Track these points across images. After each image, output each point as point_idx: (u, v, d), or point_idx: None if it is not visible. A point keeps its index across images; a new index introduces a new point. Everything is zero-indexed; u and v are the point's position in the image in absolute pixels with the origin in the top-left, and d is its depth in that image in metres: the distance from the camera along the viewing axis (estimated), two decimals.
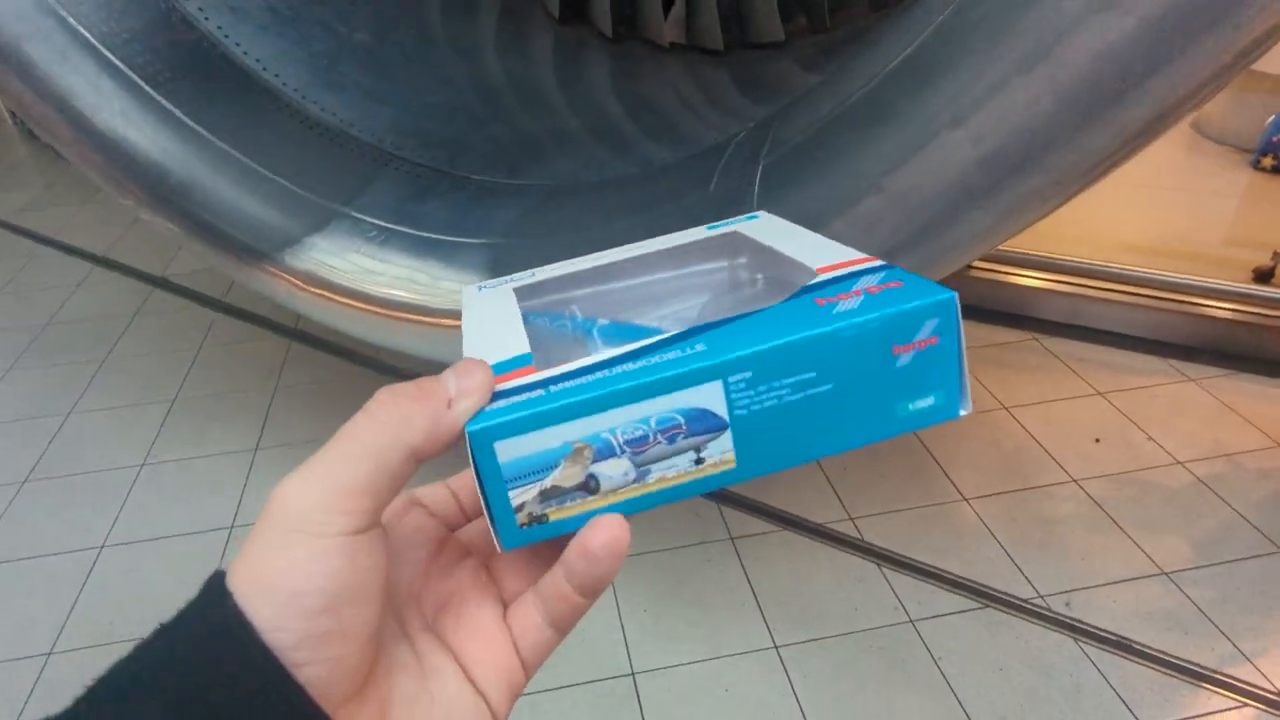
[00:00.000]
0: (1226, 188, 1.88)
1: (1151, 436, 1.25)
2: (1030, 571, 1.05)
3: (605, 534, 0.22)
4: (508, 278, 0.33)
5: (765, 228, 0.33)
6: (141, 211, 0.90)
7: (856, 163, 0.53)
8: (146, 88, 0.85)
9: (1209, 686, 0.91)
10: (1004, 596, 1.02)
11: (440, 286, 0.82)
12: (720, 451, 0.23)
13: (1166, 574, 1.03)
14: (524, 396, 0.22)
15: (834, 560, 1.09)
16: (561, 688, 0.94)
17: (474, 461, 0.21)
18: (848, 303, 0.23)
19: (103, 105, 0.85)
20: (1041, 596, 1.02)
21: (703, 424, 0.22)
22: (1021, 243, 1.50)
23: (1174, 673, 0.92)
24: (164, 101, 0.86)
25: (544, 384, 0.22)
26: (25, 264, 2.00)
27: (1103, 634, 0.97)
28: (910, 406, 0.24)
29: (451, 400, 0.22)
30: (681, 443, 0.22)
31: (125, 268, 1.95)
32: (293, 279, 0.87)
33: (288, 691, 0.19)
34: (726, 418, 0.22)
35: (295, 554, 0.19)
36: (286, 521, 0.20)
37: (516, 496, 0.22)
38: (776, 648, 0.98)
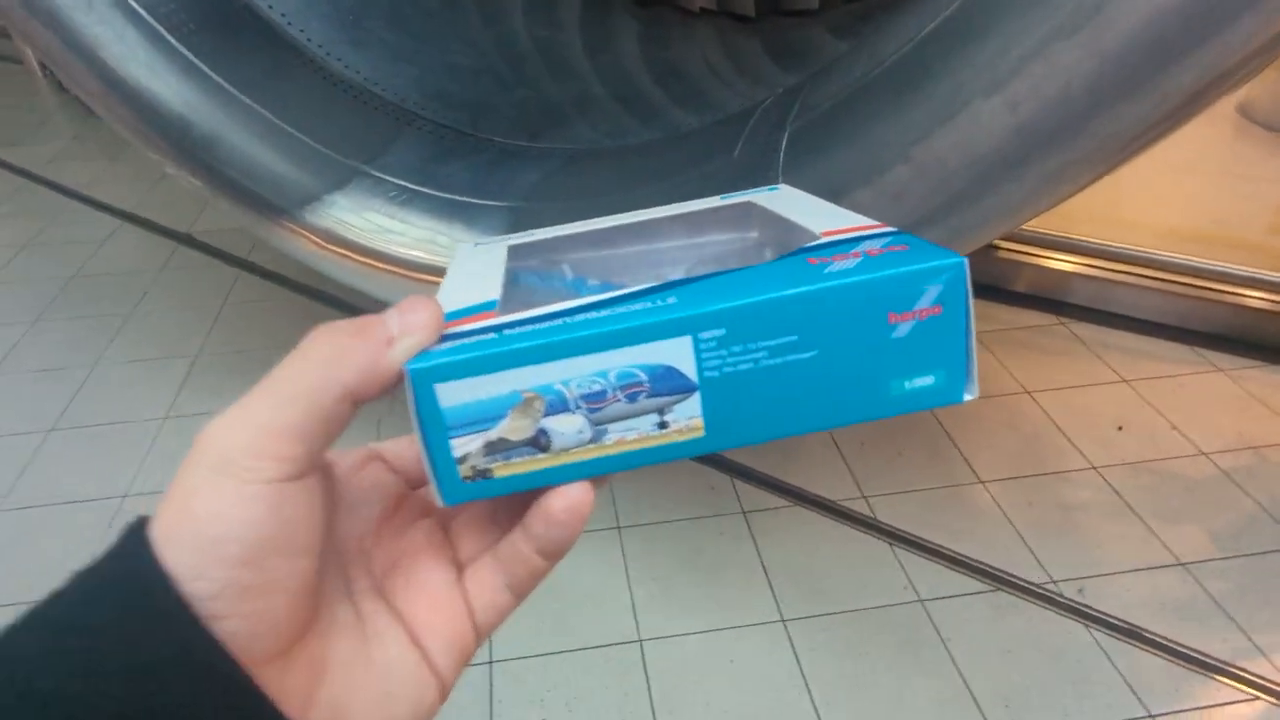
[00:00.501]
0: (1273, 174, 1.82)
1: (1175, 426, 1.22)
2: (1044, 557, 1.04)
3: (567, 498, 0.21)
4: (507, 236, 0.32)
5: (782, 199, 0.31)
6: (167, 165, 0.91)
7: (886, 130, 0.51)
8: (171, 39, 0.85)
9: (1220, 678, 0.90)
10: (1015, 580, 1.01)
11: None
12: (687, 416, 0.21)
13: (1183, 564, 1.02)
14: (475, 339, 0.20)
15: (846, 538, 1.08)
16: (569, 651, 0.95)
17: (414, 405, 0.20)
18: (843, 263, 0.21)
19: (128, 56, 0.85)
20: (1054, 582, 1.01)
21: (668, 383, 0.20)
22: (1053, 225, 1.47)
23: (1185, 663, 0.91)
24: (188, 54, 0.85)
25: (498, 328, 0.21)
26: (53, 217, 2.02)
27: (1114, 621, 0.96)
28: (906, 385, 0.21)
29: (392, 338, 0.20)
30: (644, 402, 0.20)
31: (151, 224, 1.96)
32: (313, 236, 0.87)
33: (201, 642, 0.18)
34: (695, 379, 0.20)
35: (217, 500, 0.18)
36: (211, 464, 0.18)
37: (459, 446, 0.20)
38: (784, 621, 0.98)
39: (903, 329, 0.21)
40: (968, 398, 0.22)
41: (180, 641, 0.17)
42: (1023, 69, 0.46)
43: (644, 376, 0.20)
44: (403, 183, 0.86)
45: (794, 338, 0.20)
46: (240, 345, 1.52)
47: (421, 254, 0.83)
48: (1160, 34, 0.41)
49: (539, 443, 0.20)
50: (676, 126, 0.93)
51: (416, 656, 0.22)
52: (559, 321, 0.20)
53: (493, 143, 0.93)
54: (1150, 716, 0.86)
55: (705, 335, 0.20)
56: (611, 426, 0.21)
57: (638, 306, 0.20)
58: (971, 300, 0.21)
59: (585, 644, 0.96)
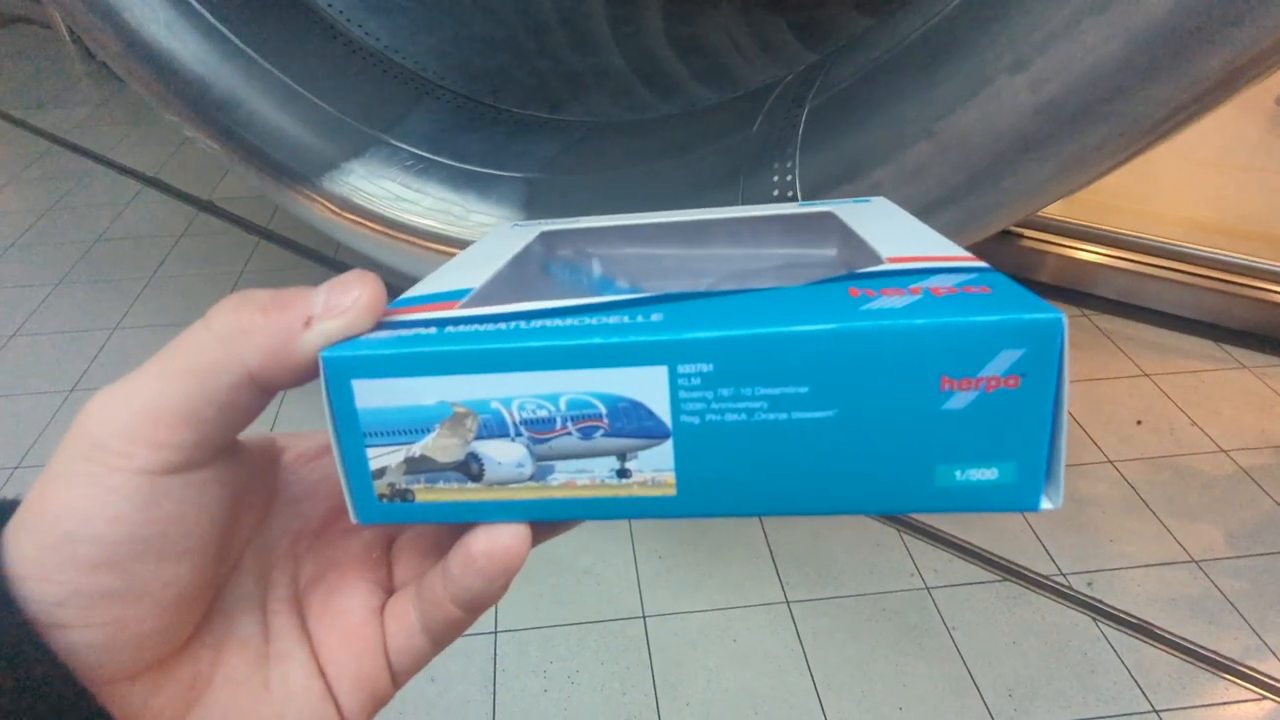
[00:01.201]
0: None
1: (1195, 422, 1.20)
2: (1054, 549, 1.03)
3: (492, 541, 0.17)
4: (555, 220, 0.28)
5: (870, 213, 0.25)
6: (185, 128, 0.91)
7: (907, 107, 0.50)
8: (192, 1, 0.85)
9: (1229, 677, 0.89)
10: (1024, 571, 1.01)
11: (473, 219, 0.82)
12: (654, 468, 0.17)
13: (1196, 562, 1.01)
14: (413, 332, 0.17)
15: (854, 523, 1.08)
16: (573, 624, 0.96)
17: (327, 399, 0.17)
18: (893, 299, 0.16)
19: (149, 17, 0.85)
20: (1063, 574, 1.00)
21: (633, 423, 0.16)
22: (1079, 215, 1.44)
23: (1194, 660, 0.90)
24: (209, 16, 0.85)
25: (442, 322, 0.17)
26: (78, 181, 2.04)
27: (1123, 616, 0.95)
28: (959, 475, 0.16)
29: (311, 319, 0.17)
30: (600, 441, 0.16)
31: (173, 190, 1.98)
32: (328, 203, 0.87)
33: (32, 653, 0.15)
34: (668, 422, 0.16)
35: (75, 490, 0.15)
36: (81, 447, 0.16)
37: (376, 458, 0.17)
38: (788, 603, 0.98)
39: (960, 400, 0.15)
40: (1046, 506, 0.16)
41: (10, 648, 0.15)
42: (1049, 47, 0.45)
43: (602, 409, 0.16)
44: (420, 152, 0.85)
45: (805, 389, 0.16)
46: None
47: (435, 223, 0.83)
48: (1194, 13, 0.40)
49: (469, 469, 0.17)
50: (696, 102, 0.92)
51: (321, 689, 0.19)
52: (511, 325, 0.17)
53: (511, 114, 0.92)
54: (1156, 712, 0.86)
55: (686, 369, 0.16)
56: (559, 464, 0.17)
57: (611, 319, 0.17)
58: (1066, 374, 0.15)
59: (589, 618, 0.97)
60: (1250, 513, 1.07)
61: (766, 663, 0.92)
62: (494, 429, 0.17)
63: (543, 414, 0.16)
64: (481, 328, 0.17)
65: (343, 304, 0.17)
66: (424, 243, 0.82)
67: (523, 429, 0.17)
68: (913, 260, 0.19)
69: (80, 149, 2.19)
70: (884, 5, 0.98)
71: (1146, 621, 0.94)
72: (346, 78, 0.92)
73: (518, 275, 0.24)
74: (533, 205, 0.79)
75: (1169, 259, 1.40)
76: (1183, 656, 0.91)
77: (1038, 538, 1.05)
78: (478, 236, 0.82)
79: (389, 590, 0.21)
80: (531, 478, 0.17)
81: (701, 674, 0.91)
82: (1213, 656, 0.91)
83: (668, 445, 0.16)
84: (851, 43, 0.63)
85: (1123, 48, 0.42)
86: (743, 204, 0.62)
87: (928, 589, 0.99)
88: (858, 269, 0.19)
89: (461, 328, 0.17)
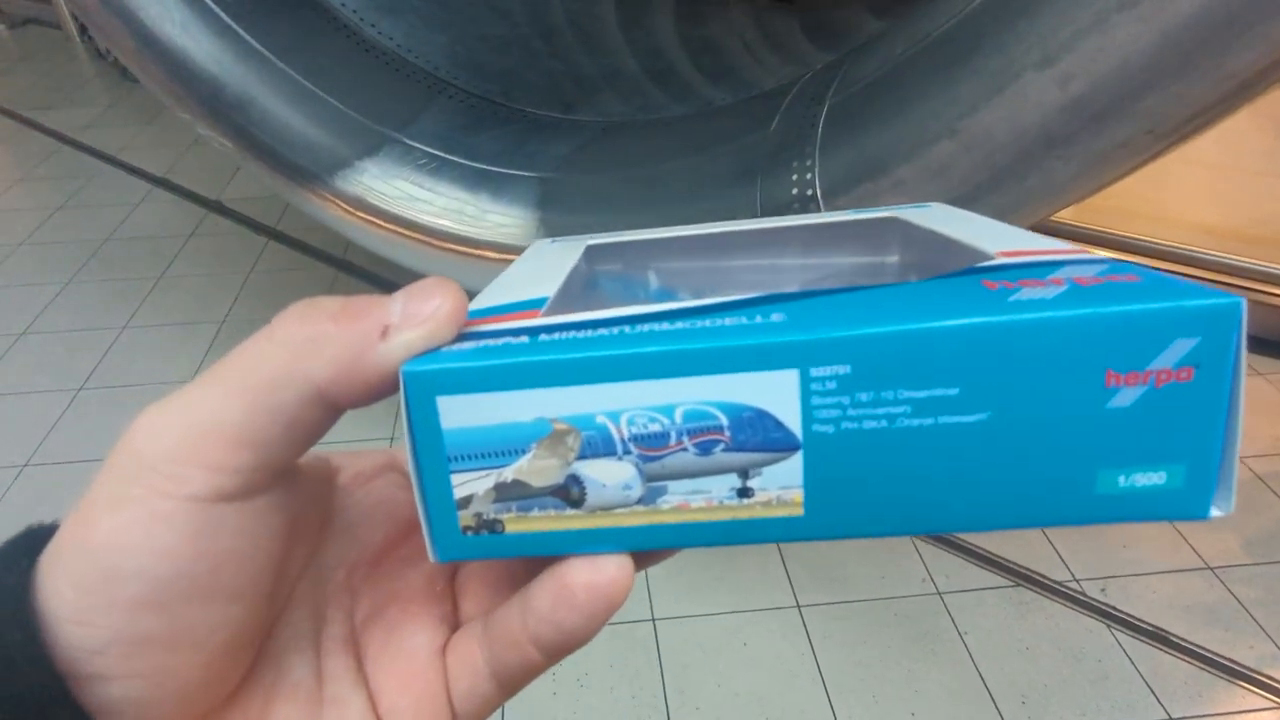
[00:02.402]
0: None
1: None
2: (1068, 555, 1.02)
3: (596, 574, 0.15)
4: (587, 235, 0.26)
5: (937, 216, 0.24)
6: (199, 126, 0.91)
7: (931, 104, 0.50)
8: (207, 0, 0.85)
9: (1244, 685, 0.88)
10: (1037, 577, 1.00)
11: (487, 219, 0.81)
12: (780, 485, 0.15)
13: (1211, 569, 1.00)
14: (501, 342, 0.15)
15: None
16: None
17: (407, 419, 0.15)
18: (1037, 290, 0.15)
19: (164, 16, 0.85)
20: (1077, 580, 0.99)
21: (758, 435, 0.14)
22: (1092, 220, 1.43)
23: (1208, 667, 0.89)
24: (223, 15, 0.85)
25: (535, 330, 0.16)
26: (87, 180, 2.04)
27: (1137, 622, 0.94)
28: (1121, 480, 0.14)
29: (389, 328, 0.15)
30: (720, 457, 0.15)
31: (183, 190, 1.98)
32: (341, 203, 0.87)
33: (66, 712, 0.13)
34: (798, 433, 0.14)
35: (121, 517, 0.13)
36: (127, 468, 0.14)
37: (462, 484, 0.15)
38: (799, 607, 0.97)
39: (1125, 396, 0.14)
40: (1216, 513, 0.15)
41: (36, 708, 0.13)
42: (1077, 43, 0.44)
43: (724, 421, 0.14)
44: (433, 151, 0.85)
45: (954, 391, 0.14)
46: (267, 312, 1.50)
47: (449, 223, 0.82)
48: (1227, 7, 0.40)
49: (569, 494, 0.15)
50: (709, 103, 0.92)
51: None
52: (614, 331, 0.15)
53: (524, 113, 0.92)
54: None
55: (820, 372, 0.14)
56: (672, 485, 0.15)
57: (727, 321, 0.15)
58: (1244, 365, 0.14)
59: None
60: (1266, 519, 1.06)
61: (777, 667, 0.91)
62: (599, 447, 0.15)
63: (655, 428, 0.15)
64: (581, 334, 0.15)
65: (423, 312, 0.15)
66: (438, 242, 0.82)
67: (632, 445, 0.15)
68: (1027, 254, 0.17)
69: (90, 149, 2.20)
70: (897, 7, 0.98)
71: (1161, 628, 0.93)
72: (359, 77, 0.92)
73: (577, 289, 0.22)
74: (547, 205, 0.78)
75: (1181, 264, 1.39)
76: (1198, 664, 0.90)
77: (1051, 543, 1.04)
78: (493, 236, 0.82)
79: (454, 626, 0.19)
80: (640, 501, 0.15)
81: (711, 678, 0.90)
82: (1228, 664, 0.90)
83: (797, 459, 0.15)
84: (872, 41, 0.62)
85: (1153, 44, 0.42)
86: (761, 203, 0.61)
87: (940, 594, 0.98)
88: (949, 264, 0.17)
89: (558, 335, 0.15)
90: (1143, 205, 1.50)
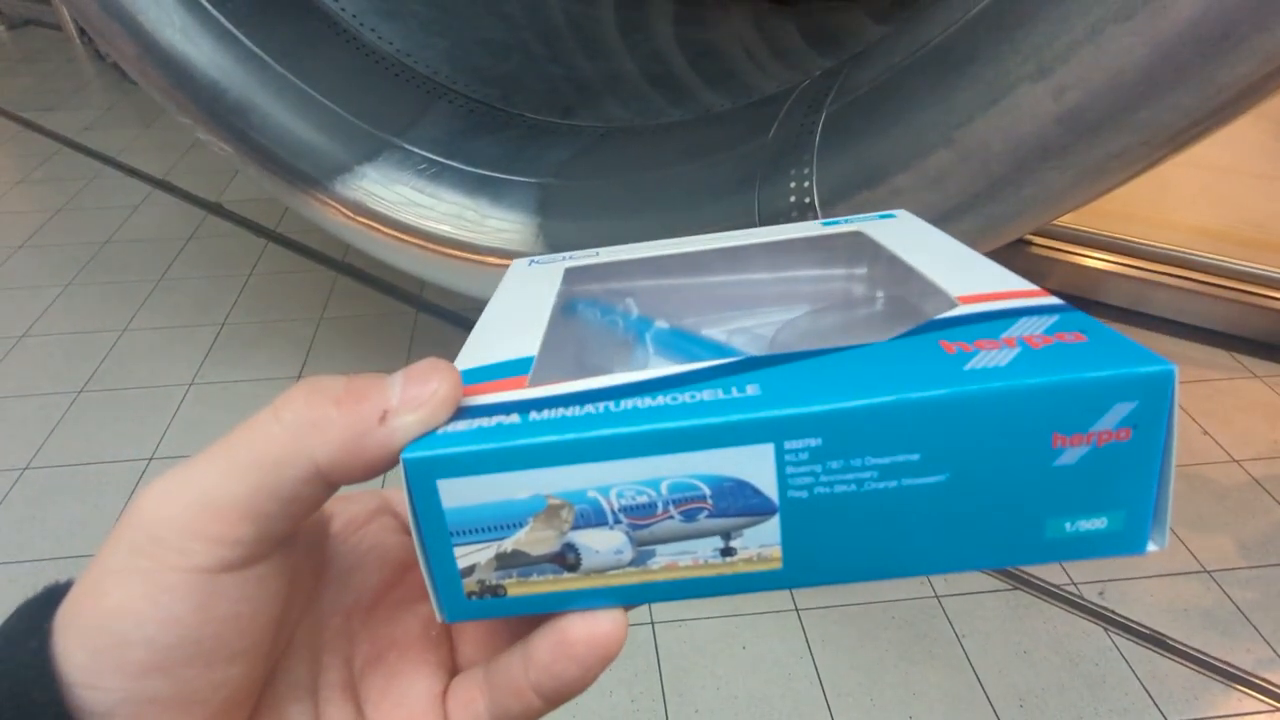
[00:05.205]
0: None
1: (1208, 431, 1.20)
2: None
3: (593, 628, 0.16)
4: (567, 254, 0.27)
5: (899, 231, 0.25)
6: (199, 130, 0.91)
7: (928, 113, 0.50)
8: (207, 5, 0.85)
9: (1241, 688, 0.88)
10: (1035, 580, 1.00)
11: (487, 224, 0.82)
12: (760, 544, 0.16)
13: (1209, 572, 1.00)
14: (494, 421, 0.16)
15: None
16: None
17: (410, 500, 0.16)
18: (992, 355, 0.16)
19: (164, 21, 0.85)
20: (1075, 584, 0.99)
21: (738, 502, 0.16)
22: (1089, 223, 1.44)
23: (1206, 671, 0.90)
24: (223, 20, 0.85)
25: (525, 407, 0.17)
26: (87, 183, 2.04)
27: (1135, 626, 0.94)
28: (1068, 527, 0.16)
29: (389, 411, 0.16)
30: (704, 523, 0.16)
31: (182, 192, 1.98)
32: (341, 207, 0.87)
33: None
34: (775, 499, 0.16)
35: (130, 588, 0.14)
36: (136, 540, 0.15)
37: (465, 556, 0.16)
38: (798, 611, 0.97)
39: (1070, 455, 0.15)
40: (1153, 549, 0.17)
41: None
42: (1072, 55, 0.45)
43: (706, 491, 0.16)
44: (432, 156, 0.85)
45: (916, 456, 0.15)
46: (266, 315, 1.54)
47: (449, 228, 0.83)
48: (1220, 19, 0.40)
49: (565, 560, 0.16)
50: (708, 108, 0.92)
51: None
52: (599, 407, 0.16)
53: (523, 118, 0.92)
54: None
55: (794, 445, 0.15)
56: (660, 548, 0.16)
57: (705, 395, 0.16)
58: (1176, 422, 0.15)
59: None
60: (1263, 523, 1.06)
61: (776, 670, 0.91)
62: (591, 518, 0.16)
63: (643, 500, 0.16)
64: (568, 412, 0.16)
65: (421, 396, 0.16)
66: (437, 247, 0.82)
67: (622, 516, 0.16)
68: (985, 299, 0.18)
69: (90, 151, 2.20)
70: (898, 13, 0.98)
71: (1159, 632, 0.94)
72: (359, 81, 0.92)
73: (565, 326, 0.23)
74: (546, 210, 0.79)
75: (1180, 267, 1.40)
76: (1195, 667, 0.90)
77: None
78: (492, 241, 0.82)
79: (451, 671, 0.19)
80: (631, 563, 0.16)
81: (710, 681, 0.90)
82: (1225, 667, 0.90)
83: (774, 521, 0.16)
84: (870, 49, 0.63)
85: (1147, 55, 0.42)
86: (759, 210, 0.62)
87: (938, 597, 0.98)
88: (909, 300, 0.18)
89: (546, 413, 0.16)
90: (1141, 208, 1.50)
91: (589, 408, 0.16)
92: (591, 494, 0.16)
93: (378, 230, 0.86)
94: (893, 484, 0.16)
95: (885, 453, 0.15)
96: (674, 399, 0.16)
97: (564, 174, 0.81)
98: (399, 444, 0.16)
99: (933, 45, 0.52)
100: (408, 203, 0.84)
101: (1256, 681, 0.88)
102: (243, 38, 0.86)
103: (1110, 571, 1.00)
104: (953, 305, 0.19)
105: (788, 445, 0.15)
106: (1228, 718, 0.86)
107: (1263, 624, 0.94)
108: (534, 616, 0.17)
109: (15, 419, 1.29)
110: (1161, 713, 0.86)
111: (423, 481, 0.16)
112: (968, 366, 0.16)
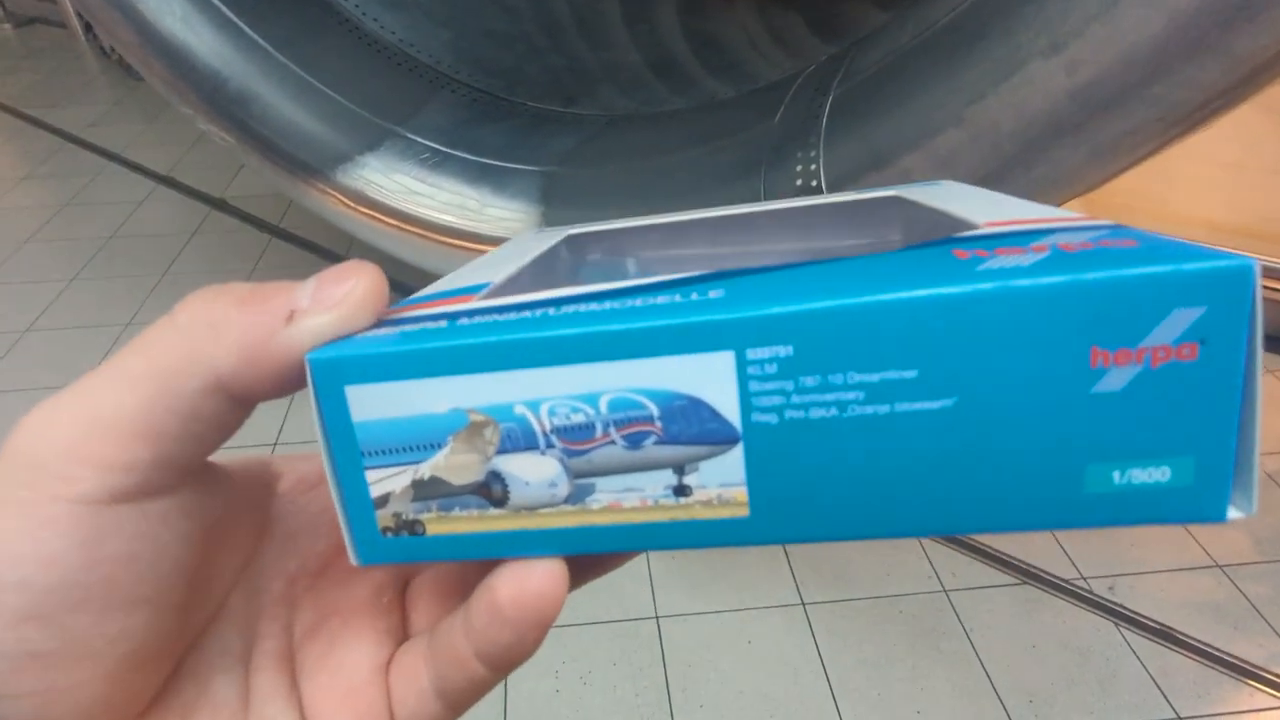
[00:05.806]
0: None
1: None
2: (1075, 553, 1.01)
3: (521, 583, 0.14)
4: (587, 224, 0.24)
5: (944, 193, 0.21)
6: (200, 121, 0.91)
7: (936, 92, 0.49)
8: None
9: (1253, 683, 0.87)
10: (1044, 575, 0.99)
11: (489, 213, 0.81)
12: (720, 482, 0.13)
13: (1220, 567, 0.99)
14: (419, 327, 0.14)
15: None
16: (585, 624, 0.95)
17: (318, 413, 0.14)
18: (1011, 258, 0.12)
19: (164, 10, 0.85)
20: (1084, 578, 0.98)
21: (692, 426, 0.13)
22: (1096, 217, 1.42)
23: (1217, 666, 0.89)
24: (224, 9, 0.85)
25: (456, 315, 0.15)
26: (92, 179, 2.04)
27: (1145, 621, 0.93)
28: (1117, 477, 0.12)
29: (296, 312, 0.14)
30: (652, 450, 0.13)
31: (187, 188, 1.98)
32: (343, 197, 0.87)
33: None
34: (737, 424, 0.13)
35: (5, 522, 0.12)
36: (14, 469, 0.13)
37: (378, 481, 0.14)
38: (804, 605, 0.96)
39: (1115, 378, 0.12)
40: (1235, 515, 0.13)
41: None
42: (1085, 29, 0.44)
43: (654, 410, 0.13)
44: (435, 145, 0.85)
45: (912, 373, 0.12)
46: None
47: (451, 218, 0.82)
48: None
49: (491, 492, 0.14)
50: (712, 96, 0.91)
51: None
52: (537, 313, 0.14)
53: (526, 107, 0.91)
54: (1179, 719, 0.84)
55: (758, 354, 0.12)
56: (601, 482, 0.14)
57: (660, 299, 0.13)
58: (1260, 339, 0.12)
59: (602, 618, 0.96)
60: (1276, 517, 1.05)
61: (781, 665, 0.90)
62: (520, 440, 0.14)
63: (579, 419, 0.13)
64: (502, 318, 0.14)
65: (334, 296, 0.14)
66: (439, 237, 0.82)
67: (555, 439, 0.13)
68: (1018, 223, 0.15)
69: (94, 147, 2.20)
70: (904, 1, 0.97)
71: (1169, 627, 0.92)
72: (361, 71, 0.92)
73: (544, 274, 0.21)
74: (550, 199, 0.78)
75: None
76: (1206, 662, 0.89)
77: (1058, 541, 1.03)
78: (495, 231, 0.81)
79: (400, 640, 0.18)
80: (567, 500, 0.14)
81: (715, 675, 0.89)
82: (1237, 662, 0.89)
83: (737, 452, 0.13)
84: (876, 32, 0.62)
85: (1163, 28, 0.41)
86: (765, 194, 0.61)
87: (945, 592, 0.97)
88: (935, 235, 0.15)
89: (478, 319, 0.14)
90: (1149, 202, 1.49)
91: (525, 314, 0.14)
92: (519, 409, 0.13)
93: (379, 220, 0.85)
94: (884, 409, 0.12)
95: (873, 367, 0.12)
96: (623, 304, 0.13)
97: (567, 162, 0.80)
98: (306, 347, 0.14)
99: (941, 24, 0.51)
100: (409, 192, 0.83)
101: (1268, 676, 0.87)
102: (244, 26, 0.85)
103: (1120, 566, 0.99)
104: (976, 228, 0.15)
105: (751, 354, 0.12)
106: (1239, 713, 0.85)
107: (1275, 618, 0.93)
108: (484, 572, 0.15)
109: (19, 413, 1.28)
110: (1173, 707, 0.85)
111: (329, 387, 0.14)
112: (981, 268, 0.12)
